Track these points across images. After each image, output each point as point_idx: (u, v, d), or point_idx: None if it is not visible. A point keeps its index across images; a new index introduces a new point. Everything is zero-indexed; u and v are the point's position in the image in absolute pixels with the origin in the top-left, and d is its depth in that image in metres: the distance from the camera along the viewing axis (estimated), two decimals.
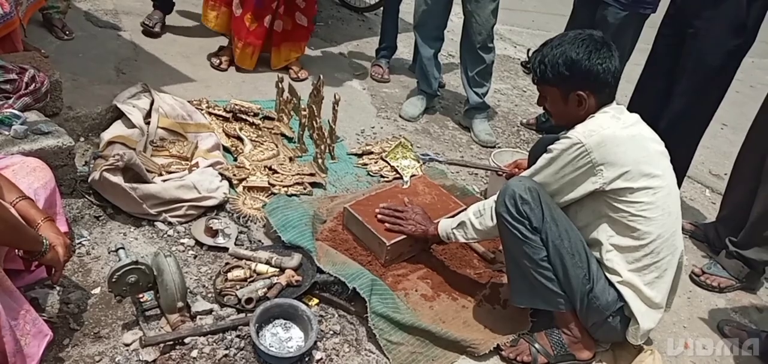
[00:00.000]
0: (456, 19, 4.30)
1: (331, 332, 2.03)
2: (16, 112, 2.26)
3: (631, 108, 3.11)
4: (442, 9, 3.48)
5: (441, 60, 3.81)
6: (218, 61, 3.64)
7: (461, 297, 2.28)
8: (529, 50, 2.00)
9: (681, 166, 3.03)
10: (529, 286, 1.98)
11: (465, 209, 2.51)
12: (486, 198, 2.82)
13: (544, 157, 1.95)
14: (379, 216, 2.40)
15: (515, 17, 6.00)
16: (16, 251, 1.68)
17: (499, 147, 3.41)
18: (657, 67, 3.01)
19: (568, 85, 1.90)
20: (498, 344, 2.08)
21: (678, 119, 2.91)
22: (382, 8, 4.33)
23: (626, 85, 3.25)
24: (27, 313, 1.58)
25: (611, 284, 1.95)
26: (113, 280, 1.83)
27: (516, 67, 4.80)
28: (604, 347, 2.11)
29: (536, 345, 2.06)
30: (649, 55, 3.06)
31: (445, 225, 2.23)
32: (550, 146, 1.93)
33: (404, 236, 2.34)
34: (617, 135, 1.84)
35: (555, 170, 1.91)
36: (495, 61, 3.55)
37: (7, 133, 2.16)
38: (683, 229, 3.08)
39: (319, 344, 1.96)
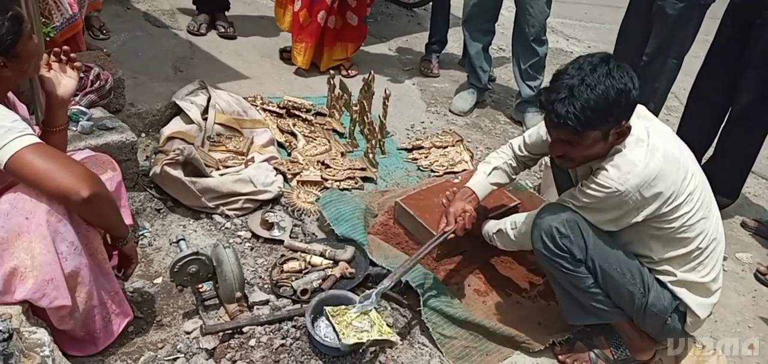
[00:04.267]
0: (506, 12, 4.24)
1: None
2: (83, 108, 2.37)
3: (690, 102, 3.04)
4: (493, 1, 3.44)
5: (492, 53, 3.76)
6: (288, 55, 3.78)
7: (515, 293, 2.25)
8: (539, 93, 1.77)
9: (747, 161, 2.91)
10: (580, 307, 1.92)
11: (518, 204, 2.49)
12: (539, 193, 2.79)
13: (577, 201, 1.81)
14: (446, 197, 2.37)
15: (567, 9, 5.86)
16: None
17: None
18: (719, 59, 2.88)
19: (613, 120, 1.66)
20: (553, 341, 2.05)
21: (744, 114, 2.79)
22: (431, 3, 4.31)
23: (685, 78, 3.15)
24: (116, 294, 1.73)
25: (663, 284, 1.87)
26: (175, 270, 1.90)
27: (568, 61, 4.70)
28: (664, 346, 2.05)
29: (595, 351, 2.01)
30: (710, 48, 2.93)
31: (488, 227, 2.19)
32: (583, 189, 1.78)
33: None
34: (653, 169, 1.68)
35: (592, 214, 1.80)
36: (547, 54, 3.48)
37: (74, 128, 2.26)
38: (747, 226, 2.97)
39: None
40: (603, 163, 1.74)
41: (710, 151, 3.05)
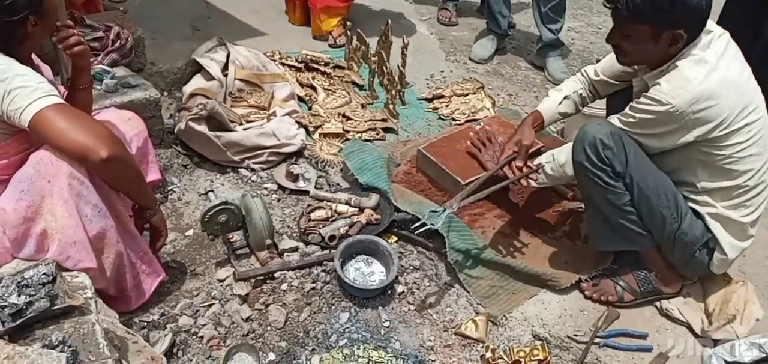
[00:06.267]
0: None
1: (412, 268, 2.07)
2: (106, 67, 2.40)
3: (721, 22, 2.95)
4: None
5: None
6: None
7: (540, 234, 2.26)
8: None
9: None
10: (611, 229, 1.92)
11: (542, 147, 2.48)
12: (563, 137, 2.77)
13: (628, 116, 1.80)
14: (470, 140, 2.42)
15: None
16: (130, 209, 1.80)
17: None
18: None
19: (665, 22, 1.67)
20: (579, 278, 2.06)
21: None
22: None
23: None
24: (145, 254, 1.76)
25: (698, 215, 1.86)
26: (205, 220, 1.94)
27: (590, 4, 4.60)
28: (691, 280, 2.05)
29: (621, 283, 2.02)
30: None
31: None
32: (635, 104, 1.79)
33: (480, 175, 2.33)
34: (707, 88, 1.66)
35: (640, 130, 1.79)
36: None
37: (99, 87, 2.29)
38: None
39: (400, 278, 2.01)
40: (658, 78, 1.74)
41: None
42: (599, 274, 2.10)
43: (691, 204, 1.86)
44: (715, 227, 1.86)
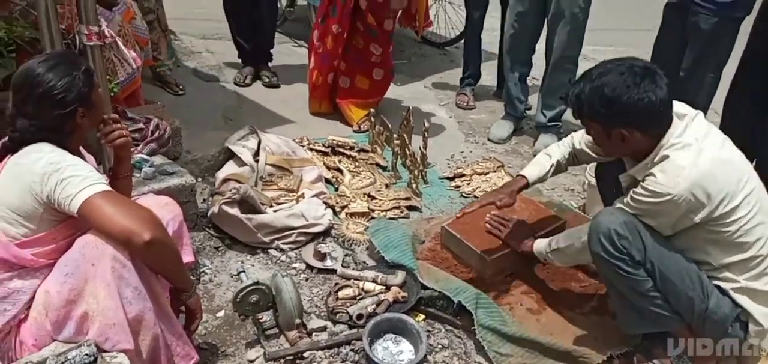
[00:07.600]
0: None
1: (440, 346, 2.07)
2: (145, 156, 2.53)
3: (725, 111, 3.01)
4: (529, 33, 3.52)
5: (528, 83, 3.82)
6: None
7: (568, 310, 2.25)
8: (569, 80, 1.92)
9: None
10: (638, 314, 1.91)
11: (564, 223, 2.51)
12: (585, 212, 2.80)
13: (630, 208, 1.82)
14: (487, 223, 2.45)
15: (598, 37, 5.89)
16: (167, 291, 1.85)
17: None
18: (752, 67, 2.85)
19: (608, 122, 1.77)
20: (611, 354, 2.04)
21: None
22: (464, 40, 4.42)
23: (724, 93, 3.14)
24: (180, 337, 1.78)
25: (723, 291, 1.84)
26: (237, 300, 1.99)
27: None
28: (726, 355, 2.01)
29: (655, 361, 1.99)
30: (742, 56, 2.92)
31: (541, 247, 2.21)
32: (635, 196, 1.80)
33: (505, 251, 2.36)
34: (702, 170, 1.70)
35: (646, 220, 1.82)
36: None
37: (138, 175, 2.42)
38: None
39: (429, 357, 2.01)
40: (651, 169, 1.76)
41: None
42: (631, 351, 2.08)
43: (713, 281, 1.85)
44: (743, 300, 1.84)
